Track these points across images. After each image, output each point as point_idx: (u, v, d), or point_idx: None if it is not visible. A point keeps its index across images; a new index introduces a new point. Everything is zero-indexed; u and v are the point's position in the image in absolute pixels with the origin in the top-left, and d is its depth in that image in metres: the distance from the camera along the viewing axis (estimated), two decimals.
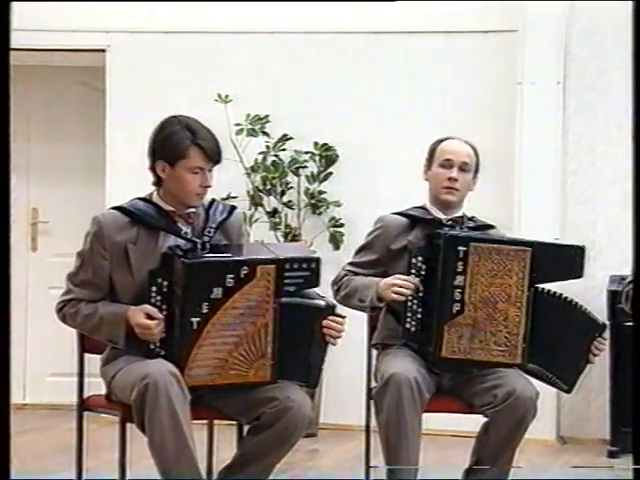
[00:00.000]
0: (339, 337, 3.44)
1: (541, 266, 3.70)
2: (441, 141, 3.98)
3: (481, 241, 3.71)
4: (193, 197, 3.45)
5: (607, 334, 3.89)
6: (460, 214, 3.95)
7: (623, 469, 4.98)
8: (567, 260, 3.77)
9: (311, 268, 3.39)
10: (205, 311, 3.30)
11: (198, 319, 3.30)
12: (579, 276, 3.78)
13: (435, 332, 3.69)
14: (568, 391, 3.80)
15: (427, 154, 3.99)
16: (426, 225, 3.87)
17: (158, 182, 3.48)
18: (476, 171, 3.98)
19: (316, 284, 3.43)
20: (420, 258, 3.74)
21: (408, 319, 3.74)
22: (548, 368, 3.75)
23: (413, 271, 3.74)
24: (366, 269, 3.91)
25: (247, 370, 3.37)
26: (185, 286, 3.30)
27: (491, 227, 4.00)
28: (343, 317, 3.46)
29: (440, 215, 3.92)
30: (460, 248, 3.67)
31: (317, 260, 3.41)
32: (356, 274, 3.89)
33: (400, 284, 3.71)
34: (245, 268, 3.32)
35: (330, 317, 3.41)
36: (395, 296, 3.71)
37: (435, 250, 3.72)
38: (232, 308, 3.32)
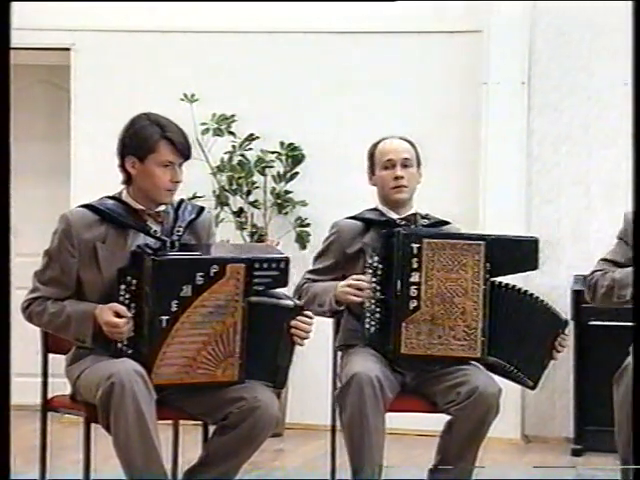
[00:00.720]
0: (306, 337, 3.45)
1: (496, 259, 3.72)
2: (377, 144, 4.00)
3: (434, 237, 3.73)
4: (163, 193, 3.45)
5: (569, 331, 3.91)
6: (412, 212, 3.96)
7: (587, 467, 5.03)
8: (521, 253, 3.79)
9: (280, 268, 3.39)
10: (174, 309, 3.30)
11: (167, 317, 3.30)
12: (534, 268, 3.81)
13: (394, 330, 3.71)
14: (533, 387, 3.81)
15: (367, 160, 4.01)
16: (380, 227, 3.89)
17: (128, 180, 3.48)
18: (418, 164, 3.99)
19: (285, 284, 3.44)
20: (376, 258, 3.76)
21: (367, 319, 3.75)
22: (510, 361, 3.76)
23: (370, 271, 3.75)
24: (325, 275, 3.92)
25: (215, 369, 3.36)
26: (154, 284, 3.30)
27: (446, 223, 4.01)
28: (311, 317, 3.47)
29: (393, 215, 3.93)
30: (414, 245, 3.69)
31: (286, 260, 3.42)
32: (315, 281, 3.91)
33: (354, 285, 3.73)
34: (215, 267, 3.32)
35: (298, 317, 3.42)
36: (351, 297, 3.73)
37: (390, 249, 3.74)
38: (201, 307, 3.32)
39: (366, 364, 3.68)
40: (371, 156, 4.01)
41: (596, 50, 5.68)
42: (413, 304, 3.70)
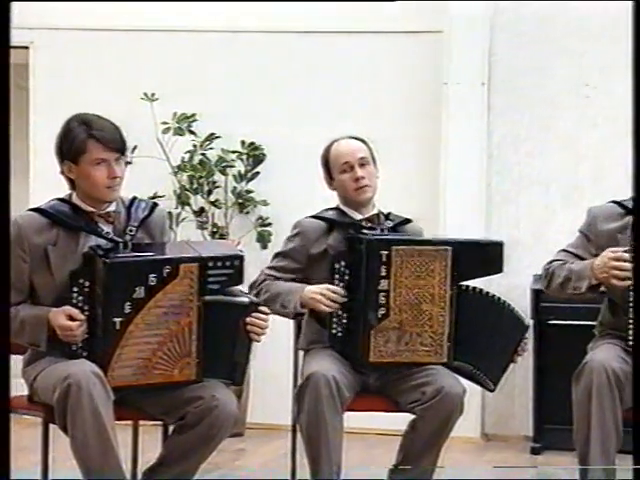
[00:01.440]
0: (263, 334, 3.45)
1: (462, 264, 3.72)
2: (329, 148, 3.96)
3: (403, 243, 3.71)
4: (103, 190, 3.42)
5: (529, 333, 3.93)
6: (375, 211, 3.95)
7: (547, 466, 5.06)
8: (487, 257, 3.79)
9: (234, 266, 3.38)
10: (128, 311, 3.28)
11: (121, 319, 3.28)
12: (499, 271, 3.81)
13: (362, 338, 3.69)
14: (492, 389, 3.84)
15: (322, 167, 3.97)
16: (344, 227, 3.87)
17: (72, 184, 3.47)
18: (374, 161, 3.97)
19: (239, 282, 3.44)
20: (343, 263, 3.74)
21: (334, 325, 3.75)
22: (475, 365, 3.78)
23: (337, 276, 3.73)
24: (286, 274, 3.90)
25: (172, 369, 3.35)
26: (107, 286, 3.28)
27: (408, 221, 4.00)
28: (267, 314, 3.46)
29: (356, 215, 3.91)
30: (382, 252, 3.66)
31: (240, 257, 3.42)
32: (276, 278, 3.88)
33: (328, 295, 3.71)
34: (168, 267, 3.31)
35: (253, 314, 3.41)
36: (322, 307, 3.71)
37: (357, 255, 3.71)
38: (155, 307, 3.31)
39: (324, 364, 3.67)
40: (326, 162, 3.96)
41: (555, 51, 5.71)
42: (382, 312, 3.68)
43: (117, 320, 3.28)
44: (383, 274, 3.67)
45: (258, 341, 3.45)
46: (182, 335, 3.35)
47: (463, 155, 5.73)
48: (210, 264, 3.35)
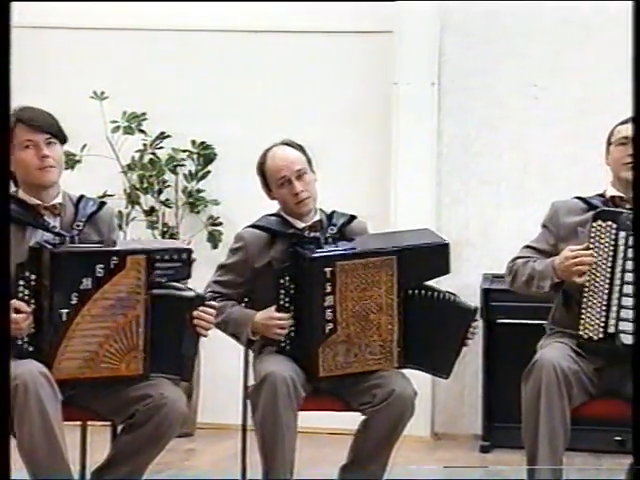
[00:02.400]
0: (209, 328, 3.45)
1: (409, 270, 3.70)
2: (264, 161, 3.90)
3: (347, 258, 3.66)
4: (35, 172, 3.42)
5: (478, 328, 3.92)
6: (317, 218, 3.90)
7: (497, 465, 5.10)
8: (433, 260, 3.76)
9: (182, 259, 3.39)
10: (74, 302, 3.27)
11: (67, 310, 3.27)
12: (446, 272, 3.79)
13: (310, 354, 3.68)
14: (446, 377, 3.83)
15: (258, 176, 3.92)
16: (287, 238, 3.83)
17: (14, 178, 3.46)
18: (310, 166, 3.90)
19: (187, 276, 3.43)
20: (287, 277, 3.71)
21: (283, 339, 3.74)
22: (426, 365, 3.79)
23: (282, 291, 3.71)
24: (231, 289, 3.88)
25: (119, 363, 3.34)
26: (53, 277, 3.27)
27: (352, 218, 3.97)
28: (213, 307, 3.47)
29: (298, 223, 3.87)
30: (326, 269, 3.63)
31: (188, 251, 3.42)
32: (222, 294, 3.85)
33: (277, 324, 3.70)
34: (115, 258, 3.31)
35: (200, 308, 3.42)
36: (273, 336, 3.72)
37: (301, 271, 3.69)
38: (102, 299, 3.30)
39: (280, 364, 3.67)
40: (262, 173, 3.91)
41: (504, 52, 5.75)
42: (329, 327, 3.66)
43: (63, 311, 3.27)
44: (328, 290, 3.64)
45: (205, 335, 3.46)
46: (129, 328, 3.34)
47: (413, 155, 5.75)
48: (157, 257, 3.35)
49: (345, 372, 3.71)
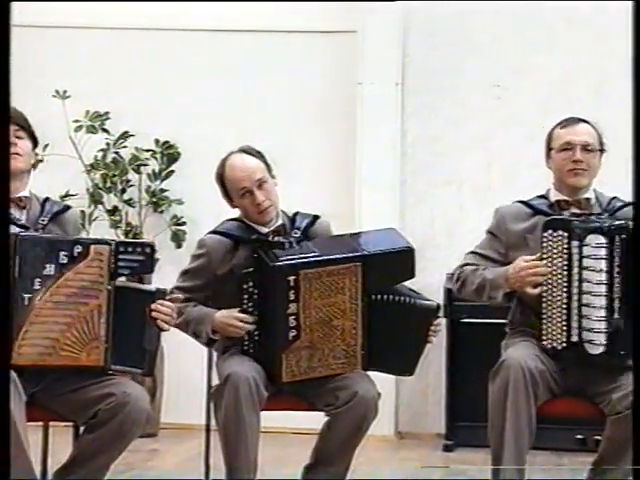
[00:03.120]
0: (169, 322, 3.47)
1: (373, 276, 3.69)
2: (223, 171, 3.86)
3: (311, 266, 3.64)
4: None
5: (442, 326, 3.92)
6: (280, 222, 3.89)
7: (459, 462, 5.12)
8: (398, 265, 3.75)
9: (146, 253, 3.44)
10: (37, 287, 3.30)
11: (29, 295, 3.29)
12: (411, 277, 3.78)
13: (273, 360, 3.68)
14: (410, 374, 3.83)
15: (218, 185, 3.89)
16: (250, 244, 3.81)
17: None
18: (270, 172, 3.88)
19: (151, 270, 3.48)
20: (251, 283, 3.71)
21: (246, 342, 3.74)
22: (388, 368, 3.80)
23: (245, 296, 3.71)
24: (193, 293, 3.86)
25: (79, 352, 3.35)
26: (17, 261, 3.28)
27: (316, 218, 3.96)
28: (173, 301, 3.50)
29: (262, 229, 3.85)
30: (290, 277, 3.62)
31: (151, 245, 3.47)
32: (186, 299, 3.82)
33: (237, 325, 3.70)
34: (79, 246, 3.36)
35: (158, 301, 3.44)
36: (233, 334, 3.72)
37: (264, 277, 3.68)
38: (65, 287, 3.33)
39: (242, 364, 3.67)
40: (222, 183, 3.87)
41: (468, 52, 5.77)
42: (292, 334, 3.66)
43: (26, 296, 3.29)
44: (292, 298, 3.63)
45: (165, 329, 3.47)
46: (91, 318, 3.36)
47: (377, 155, 5.76)
48: (121, 249, 3.41)
49: (309, 377, 3.71)
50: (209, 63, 5.95)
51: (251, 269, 3.72)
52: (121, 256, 3.40)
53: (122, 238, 5.68)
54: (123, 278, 3.51)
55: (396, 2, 5.70)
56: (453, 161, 5.81)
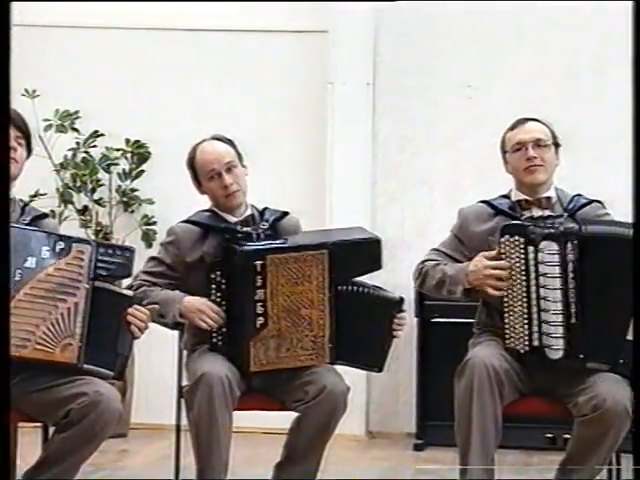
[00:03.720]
0: (142, 329, 3.47)
1: (340, 265, 3.70)
2: (194, 154, 3.91)
3: (278, 251, 3.67)
4: None
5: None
6: (249, 212, 3.92)
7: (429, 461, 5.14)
8: (365, 255, 3.77)
9: (126, 256, 3.46)
10: (17, 279, 3.30)
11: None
12: (378, 268, 3.79)
13: (241, 349, 3.68)
14: (380, 370, 3.85)
15: (188, 170, 3.93)
16: (219, 232, 3.84)
17: None
18: (241, 160, 3.91)
19: (129, 274, 3.50)
20: (219, 272, 3.72)
21: (214, 334, 3.74)
22: (355, 361, 3.80)
23: (213, 286, 3.71)
24: (160, 280, 3.86)
25: (54, 348, 3.34)
26: None
27: (285, 214, 3.98)
28: (149, 309, 3.50)
29: (230, 218, 3.88)
30: (257, 262, 3.64)
31: (132, 250, 3.49)
32: (150, 283, 3.85)
33: (208, 314, 3.70)
34: (61, 243, 3.38)
35: (135, 306, 3.46)
36: (201, 324, 3.71)
37: (232, 265, 3.69)
38: (45, 282, 3.34)
39: (215, 363, 3.67)
40: (192, 167, 3.92)
41: (438, 52, 5.79)
42: (260, 321, 3.67)
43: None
44: (259, 284, 3.65)
45: (137, 336, 3.48)
46: (68, 315, 3.37)
47: (349, 155, 5.77)
48: (102, 250, 3.43)
49: (276, 367, 3.71)
50: (180, 63, 5.94)
51: (219, 258, 3.74)
52: (101, 257, 3.42)
53: (93, 238, 5.67)
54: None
55: (367, 2, 5.71)
56: (424, 161, 5.83)
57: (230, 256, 3.71)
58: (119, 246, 3.54)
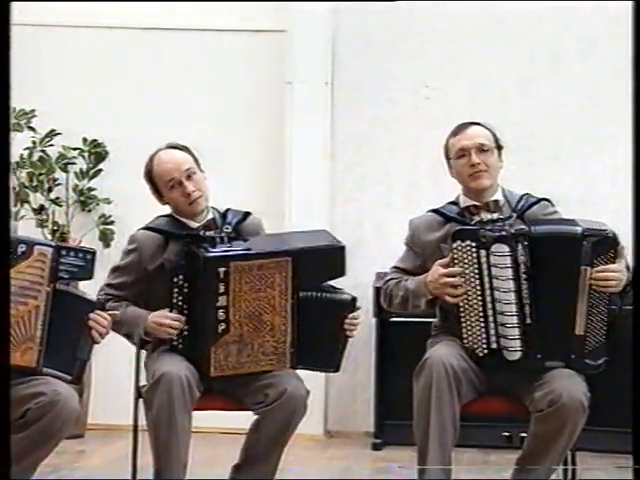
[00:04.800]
0: (102, 334, 3.45)
1: (303, 272, 3.70)
2: (151, 166, 3.89)
3: (241, 258, 3.66)
4: None
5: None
6: (211, 216, 3.91)
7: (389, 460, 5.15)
8: (328, 262, 3.76)
9: (87, 259, 3.44)
10: None
11: None
12: (342, 275, 3.79)
13: (202, 354, 3.68)
14: (335, 371, 3.85)
15: (146, 181, 3.90)
16: (181, 239, 3.82)
17: None
18: (198, 166, 3.90)
19: (90, 277, 3.46)
20: (181, 277, 3.70)
21: (175, 338, 3.74)
22: (313, 365, 3.80)
23: (175, 290, 3.71)
24: (124, 290, 3.86)
25: (13, 351, 3.33)
26: None
27: (247, 215, 3.98)
28: (110, 314, 3.48)
29: (192, 223, 3.87)
30: (220, 269, 3.63)
31: (93, 252, 3.47)
32: (115, 296, 3.84)
33: (170, 325, 3.70)
34: (22, 245, 3.36)
35: (97, 311, 3.44)
36: (164, 336, 3.72)
37: (195, 270, 3.68)
38: None
39: (174, 363, 3.66)
40: (151, 180, 3.90)
41: (396, 53, 5.81)
42: (221, 327, 3.66)
43: None
44: (221, 291, 3.64)
45: (97, 342, 3.46)
46: (28, 318, 3.35)
47: (307, 154, 5.77)
48: (63, 252, 3.41)
49: (237, 372, 3.71)
50: (138, 62, 5.91)
51: (182, 262, 3.73)
52: (63, 260, 3.40)
53: (49, 237, 5.63)
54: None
55: (325, 2, 5.72)
56: (382, 161, 5.84)
57: (193, 261, 3.70)
58: (81, 249, 3.50)
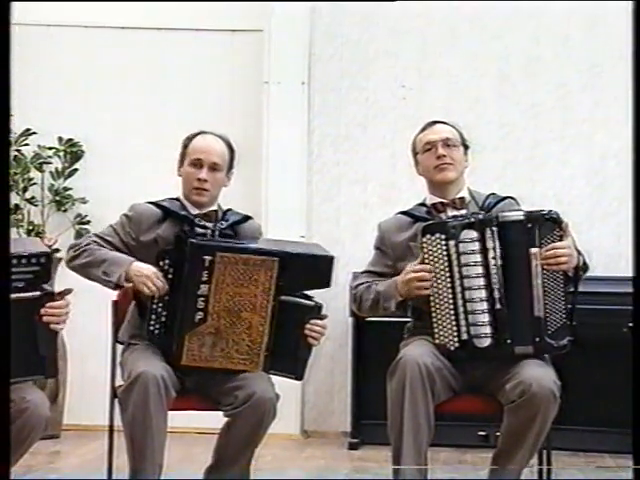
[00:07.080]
0: (61, 322, 3.37)
1: (289, 276, 3.67)
2: (194, 137, 3.95)
3: (228, 250, 3.66)
4: None
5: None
6: (214, 208, 3.93)
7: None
8: (315, 271, 3.72)
9: (40, 263, 3.32)
10: None
11: None
12: (327, 286, 3.73)
13: (177, 340, 3.67)
14: (298, 379, 3.81)
15: (181, 149, 3.95)
16: (178, 220, 3.85)
17: None
18: (230, 167, 3.95)
19: (47, 279, 3.36)
20: (167, 261, 3.70)
21: (152, 322, 3.72)
22: (280, 371, 3.78)
23: (160, 273, 3.70)
24: (110, 247, 3.83)
25: None
26: None
27: (247, 218, 3.99)
28: (64, 295, 3.40)
29: (194, 210, 3.90)
30: (206, 257, 3.63)
31: (47, 255, 3.35)
32: (99, 245, 3.82)
33: (153, 281, 3.67)
34: None
35: (47, 304, 3.34)
36: (145, 289, 3.68)
37: (182, 255, 3.68)
38: None
39: (151, 363, 3.65)
40: (184, 147, 3.94)
41: (373, 52, 5.82)
42: (199, 316, 3.66)
43: None
44: (204, 279, 3.64)
45: (59, 329, 3.39)
46: None
47: (284, 154, 5.78)
48: (14, 261, 3.27)
49: (208, 365, 3.70)
50: (114, 61, 5.90)
51: (170, 247, 3.73)
52: (15, 269, 3.26)
53: (24, 237, 5.60)
54: None
55: (302, 2, 5.72)
56: (359, 160, 5.85)
57: (181, 246, 3.70)
58: (33, 254, 3.31)
